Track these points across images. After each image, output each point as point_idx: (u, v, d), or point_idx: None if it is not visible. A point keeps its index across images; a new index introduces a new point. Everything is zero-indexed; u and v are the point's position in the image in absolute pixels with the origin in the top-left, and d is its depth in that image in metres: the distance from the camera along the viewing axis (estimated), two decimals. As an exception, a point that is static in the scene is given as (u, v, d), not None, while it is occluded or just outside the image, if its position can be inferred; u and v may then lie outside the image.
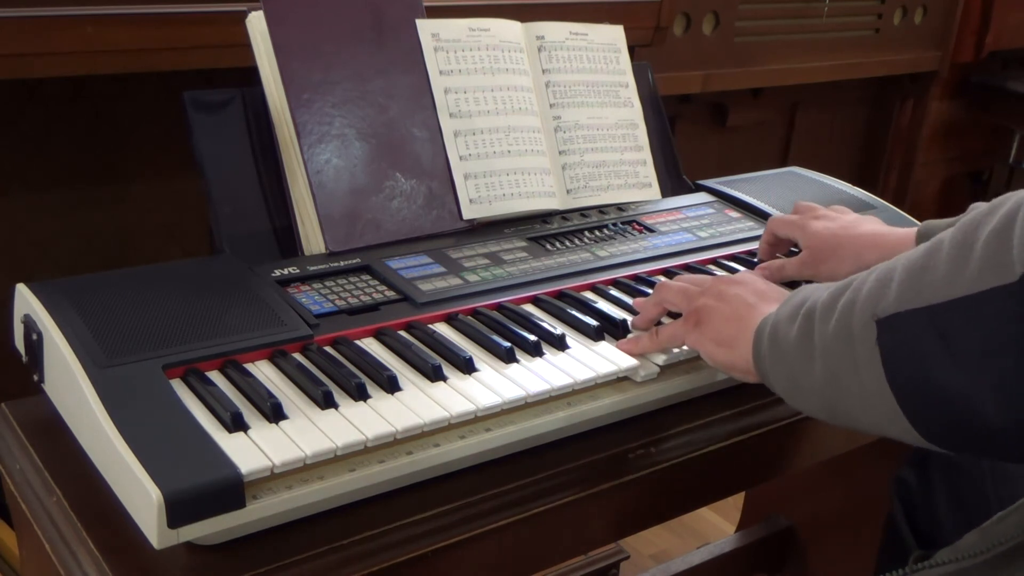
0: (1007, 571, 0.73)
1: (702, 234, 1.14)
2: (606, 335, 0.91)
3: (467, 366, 0.83)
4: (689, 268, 1.06)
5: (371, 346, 0.86)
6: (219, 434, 0.71)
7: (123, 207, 1.42)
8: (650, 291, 0.97)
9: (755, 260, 1.10)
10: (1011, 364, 0.61)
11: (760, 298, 0.84)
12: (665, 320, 0.92)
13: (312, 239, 0.98)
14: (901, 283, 0.67)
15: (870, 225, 1.02)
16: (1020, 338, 0.60)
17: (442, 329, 0.89)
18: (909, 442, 0.70)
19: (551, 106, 1.15)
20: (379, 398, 0.78)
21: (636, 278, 1.02)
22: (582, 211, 1.14)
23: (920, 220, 1.25)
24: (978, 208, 0.67)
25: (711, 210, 1.21)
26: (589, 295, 0.99)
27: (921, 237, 0.96)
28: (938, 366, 0.64)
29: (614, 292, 0.99)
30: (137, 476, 0.66)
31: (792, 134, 2.36)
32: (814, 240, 1.01)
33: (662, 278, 1.03)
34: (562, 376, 0.83)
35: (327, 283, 0.93)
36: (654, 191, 1.21)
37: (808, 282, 0.99)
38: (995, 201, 0.65)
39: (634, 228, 1.13)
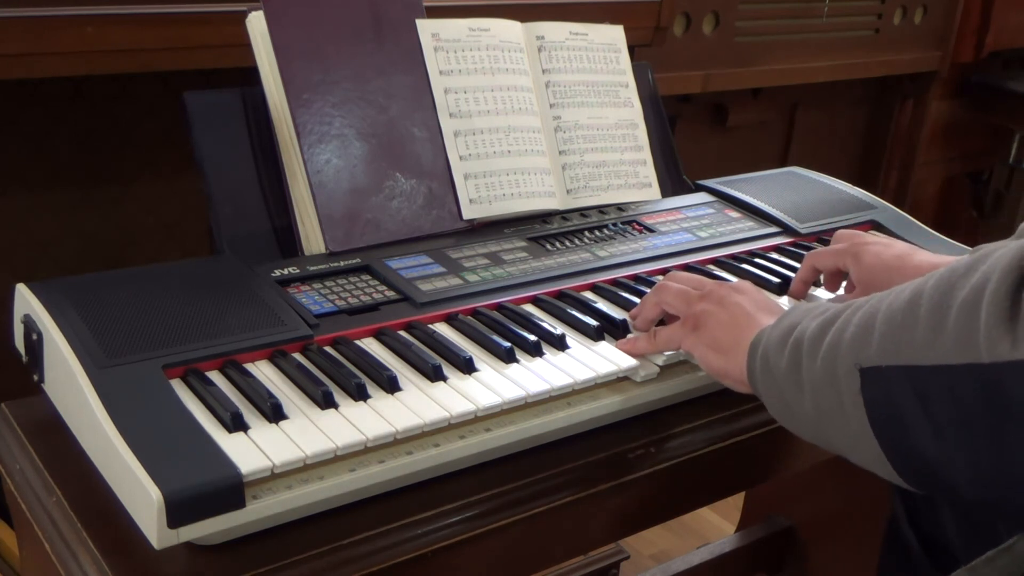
0: None
1: (702, 234, 1.14)
2: (606, 335, 0.91)
3: (467, 366, 0.83)
4: (689, 268, 1.06)
5: (371, 346, 0.86)
6: (219, 434, 0.71)
7: (123, 207, 1.42)
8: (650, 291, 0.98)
9: (755, 257, 1.10)
10: (981, 444, 0.61)
11: (759, 308, 0.84)
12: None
13: (312, 239, 0.98)
14: (883, 335, 0.67)
15: (925, 255, 0.96)
16: (989, 420, 0.60)
17: (442, 329, 0.89)
18: (897, 483, 0.70)
19: (551, 106, 1.15)
20: (379, 398, 0.78)
21: (636, 278, 1.02)
22: (582, 211, 1.14)
23: (920, 220, 1.25)
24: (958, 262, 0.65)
25: (711, 210, 1.21)
26: (589, 295, 0.99)
27: None
28: (917, 428, 0.64)
29: (614, 292, 0.99)
30: (137, 476, 0.66)
31: (792, 134, 2.35)
32: (867, 272, 0.96)
33: (662, 278, 1.03)
34: (562, 376, 0.83)
35: (327, 283, 0.93)
36: (654, 191, 1.21)
37: None
38: (973, 259, 0.64)
39: (634, 228, 1.13)
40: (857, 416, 0.68)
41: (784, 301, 1.01)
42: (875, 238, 1.00)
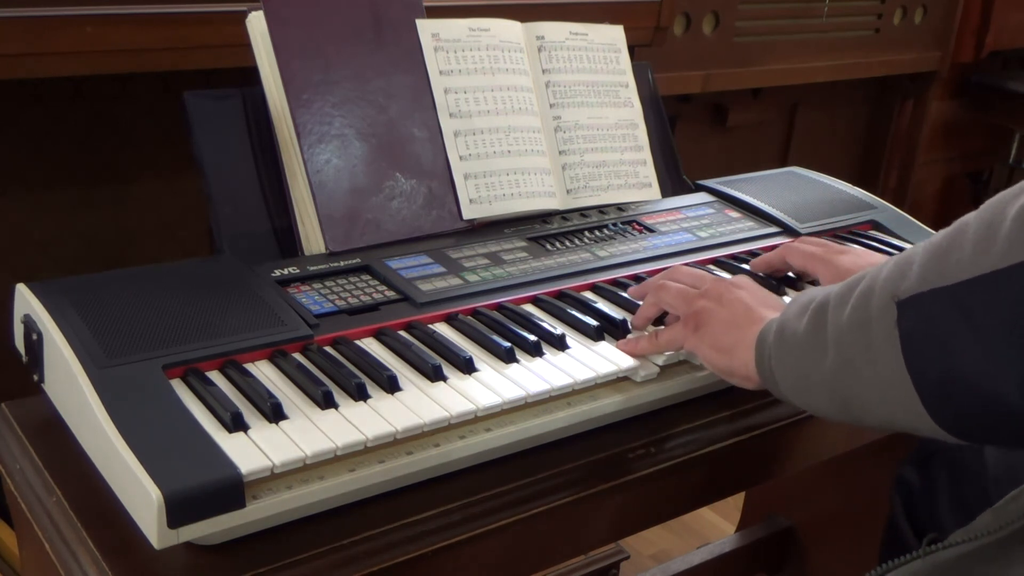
0: (1020, 549, 0.72)
1: (702, 234, 1.14)
2: (606, 335, 0.91)
3: (467, 366, 0.83)
4: (689, 268, 1.06)
5: (371, 346, 0.86)
6: (219, 434, 0.71)
7: (123, 207, 1.42)
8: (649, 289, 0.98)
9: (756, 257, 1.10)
10: None
11: (760, 303, 0.84)
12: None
13: (312, 239, 0.98)
14: (924, 265, 0.67)
15: None
16: None
17: (442, 329, 0.89)
18: (921, 432, 0.69)
19: (551, 106, 1.15)
20: (379, 398, 0.78)
21: (636, 278, 1.02)
22: (582, 211, 1.14)
23: (920, 220, 1.25)
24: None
25: (711, 210, 1.21)
26: (589, 295, 0.99)
27: None
28: (961, 346, 0.63)
29: (614, 292, 0.99)
30: (137, 476, 0.66)
31: (792, 134, 2.36)
32: (844, 278, 0.97)
33: (660, 275, 1.03)
34: (562, 376, 0.83)
35: (327, 283, 0.93)
36: (654, 191, 1.21)
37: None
38: (1021, 184, 0.65)
39: (634, 228, 1.13)
40: (889, 355, 0.67)
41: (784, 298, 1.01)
42: (851, 246, 1.00)
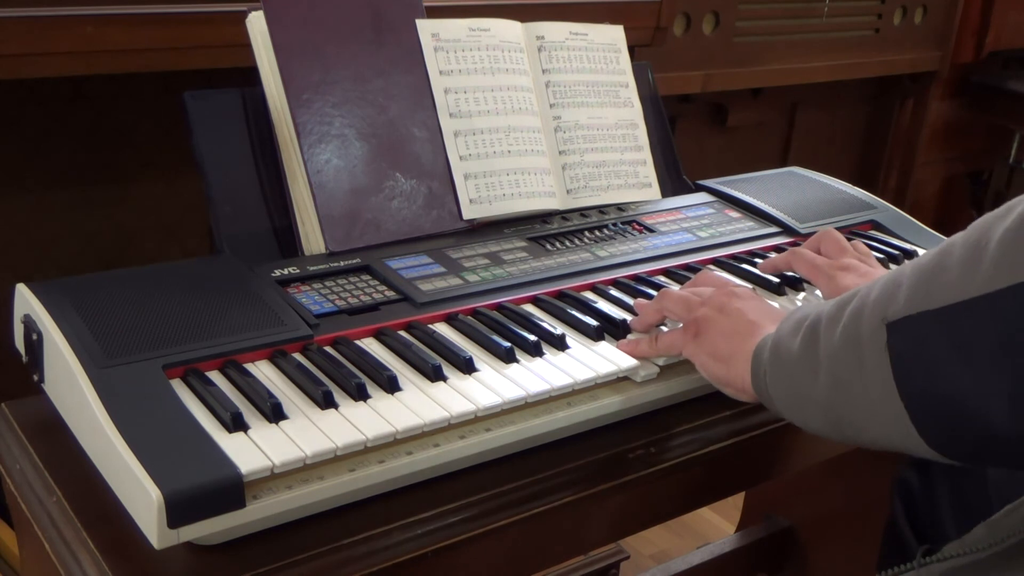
0: (1016, 564, 0.72)
1: (702, 234, 1.14)
2: (606, 335, 0.91)
3: (467, 366, 0.83)
4: (689, 268, 1.06)
5: (371, 346, 0.86)
6: (219, 434, 0.71)
7: (123, 207, 1.42)
8: (650, 291, 0.98)
9: (755, 257, 1.10)
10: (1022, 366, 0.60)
11: (761, 316, 0.84)
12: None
13: (312, 239, 0.98)
14: (912, 286, 0.67)
15: None
16: None
17: (442, 329, 0.89)
18: (914, 452, 0.69)
19: (551, 106, 1.15)
20: (379, 398, 0.78)
21: (636, 278, 1.02)
22: (582, 211, 1.14)
23: (920, 220, 1.26)
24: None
25: (711, 210, 1.21)
26: (589, 295, 0.99)
27: None
28: (949, 370, 0.63)
29: (614, 292, 0.99)
30: (137, 476, 0.66)
31: (792, 134, 2.36)
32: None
33: (662, 278, 1.04)
34: (562, 376, 0.83)
35: (327, 283, 0.93)
36: (654, 191, 1.21)
37: None
38: (1009, 204, 0.65)
39: (634, 228, 1.13)
40: (880, 376, 0.67)
41: (784, 304, 1.01)
42: (856, 260, 0.99)
